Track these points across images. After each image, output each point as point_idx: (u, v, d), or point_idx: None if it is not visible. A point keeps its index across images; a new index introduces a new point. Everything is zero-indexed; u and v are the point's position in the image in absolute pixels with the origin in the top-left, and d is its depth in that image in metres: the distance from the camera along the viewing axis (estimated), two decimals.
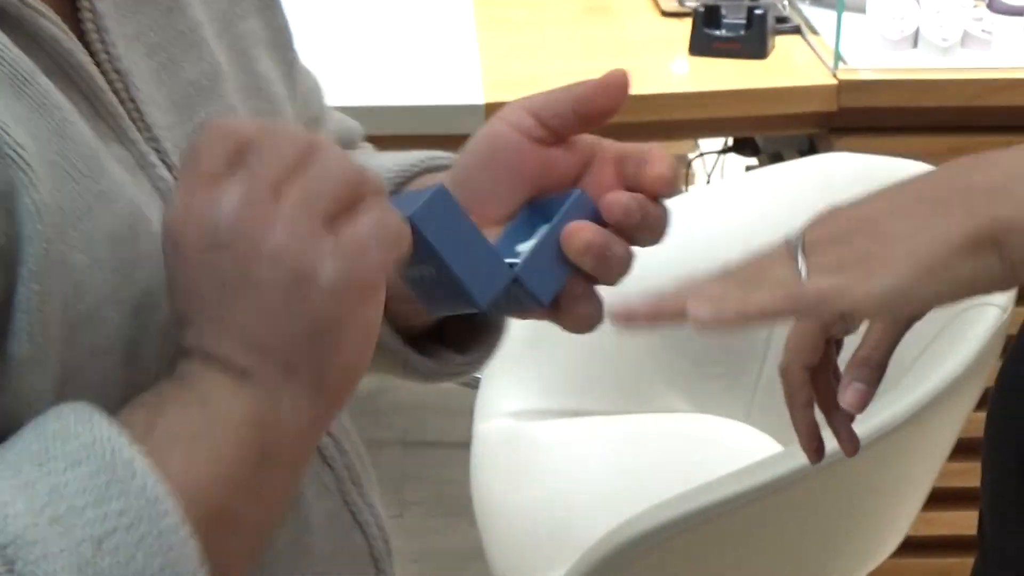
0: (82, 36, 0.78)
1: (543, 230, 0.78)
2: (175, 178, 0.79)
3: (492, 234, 0.79)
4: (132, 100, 0.80)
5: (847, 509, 1.68)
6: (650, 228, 0.80)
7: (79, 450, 0.65)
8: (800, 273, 0.79)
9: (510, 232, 0.80)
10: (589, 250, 0.77)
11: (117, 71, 0.79)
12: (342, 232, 0.68)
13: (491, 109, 2.00)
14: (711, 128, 2.34)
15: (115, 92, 0.79)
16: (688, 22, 2.21)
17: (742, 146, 2.58)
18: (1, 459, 0.66)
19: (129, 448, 0.65)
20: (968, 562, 2.36)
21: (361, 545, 0.95)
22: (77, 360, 0.71)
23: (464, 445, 2.66)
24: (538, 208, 0.82)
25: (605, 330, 2.48)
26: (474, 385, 2.33)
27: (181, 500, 0.65)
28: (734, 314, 0.78)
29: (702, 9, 2.19)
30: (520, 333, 1.93)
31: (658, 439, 2.00)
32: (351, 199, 0.70)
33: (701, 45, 2.21)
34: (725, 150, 2.73)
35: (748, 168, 2.58)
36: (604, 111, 0.83)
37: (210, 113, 0.85)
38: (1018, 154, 0.81)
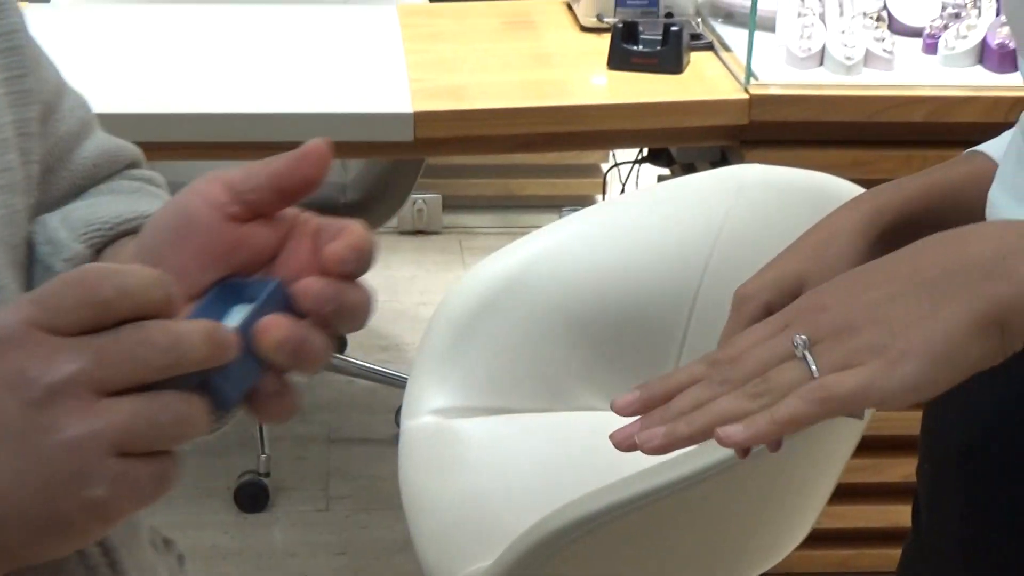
0: None
1: (235, 319, 0.73)
2: None
3: (181, 314, 0.72)
4: None
5: (758, 504, 1.70)
6: (348, 315, 0.73)
7: None
8: (812, 372, 0.77)
9: (198, 313, 0.72)
10: (282, 347, 0.70)
11: None
12: (116, 464, 0.65)
13: (419, 117, 2.03)
14: (627, 139, 2.36)
15: None
16: (607, 37, 2.23)
17: (657, 157, 2.58)
18: None
19: None
20: (869, 552, 2.42)
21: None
22: None
23: (387, 441, 2.67)
24: (231, 287, 0.77)
25: (527, 330, 2.47)
26: (398, 384, 2.33)
27: None
28: (767, 431, 0.77)
29: (620, 25, 2.21)
30: (445, 333, 1.95)
31: (577, 437, 1.98)
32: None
33: (619, 60, 2.23)
34: (640, 160, 2.73)
35: (661, 178, 2.58)
36: (304, 184, 0.77)
37: None
38: (1002, 228, 0.83)
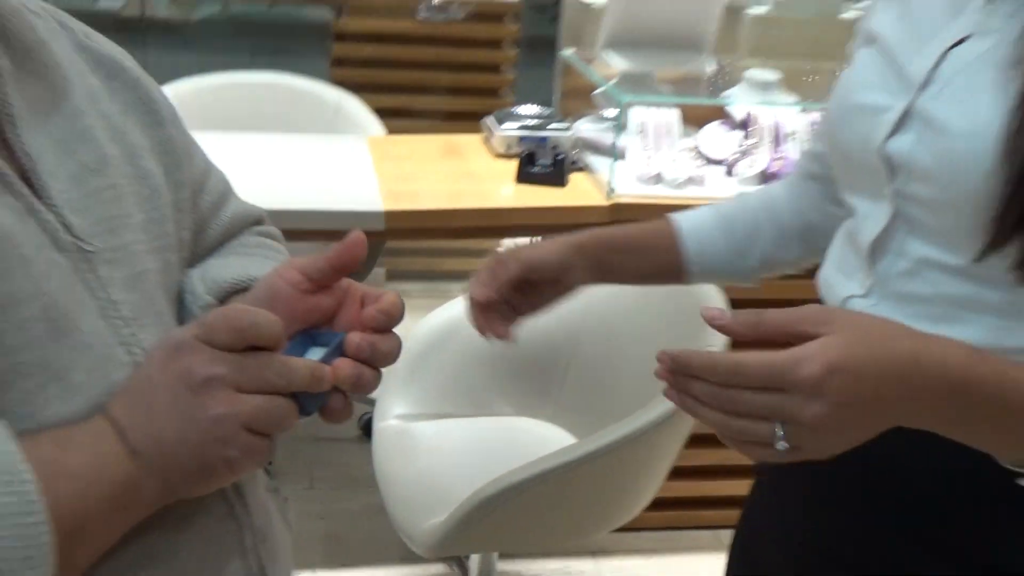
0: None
1: (314, 358, 0.75)
2: (63, 225, 0.75)
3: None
4: (36, 172, 0.75)
5: (620, 479, 1.71)
6: (382, 356, 0.77)
7: None
8: (777, 436, 0.71)
9: (287, 352, 0.74)
10: (347, 380, 0.74)
11: (27, 151, 0.74)
12: (245, 436, 0.70)
13: (388, 214, 2.05)
14: (528, 231, 2.35)
15: (21, 166, 0.74)
16: (514, 161, 2.27)
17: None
18: None
19: (19, 463, 0.63)
20: (697, 514, 2.47)
21: (234, 532, 0.85)
22: None
23: (355, 440, 2.69)
24: (308, 336, 0.79)
25: (460, 361, 2.51)
26: (365, 400, 2.37)
27: (55, 515, 0.63)
28: (728, 443, 0.74)
29: (524, 153, 2.26)
30: (404, 364, 1.98)
31: (496, 433, 2.01)
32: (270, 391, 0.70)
33: (523, 176, 2.27)
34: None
35: None
36: (351, 263, 0.79)
37: (98, 188, 0.79)
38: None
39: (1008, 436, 0.78)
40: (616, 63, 2.53)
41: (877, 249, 0.98)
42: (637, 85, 2.42)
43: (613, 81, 2.43)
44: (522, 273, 1.12)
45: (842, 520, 1.04)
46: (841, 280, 1.04)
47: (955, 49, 0.92)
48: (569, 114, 2.60)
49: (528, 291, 1.16)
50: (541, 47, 3.76)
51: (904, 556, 1.01)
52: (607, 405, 1.90)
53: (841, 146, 1.03)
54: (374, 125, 2.76)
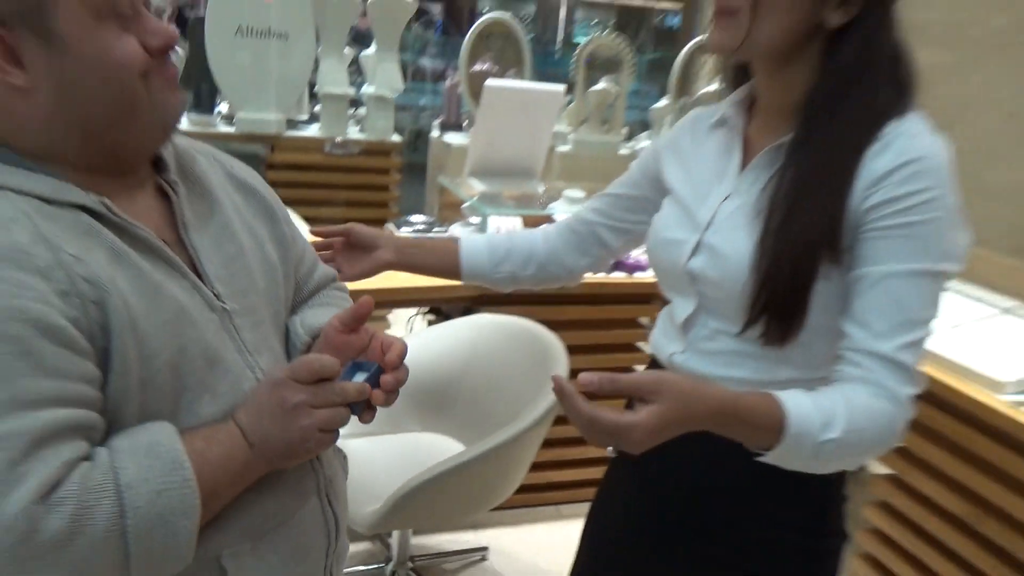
0: (176, 230, 0.81)
1: (360, 379, 0.80)
2: (215, 294, 0.81)
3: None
4: (198, 261, 0.82)
5: (495, 475, 1.71)
6: (400, 382, 0.83)
7: (161, 451, 0.71)
8: (609, 450, 0.86)
9: (342, 377, 0.80)
10: (378, 401, 0.81)
11: (194, 247, 0.82)
12: (319, 435, 0.77)
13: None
14: (419, 303, 2.31)
15: (188, 257, 0.80)
16: None
17: (433, 311, 2.47)
18: (131, 445, 0.70)
19: (184, 454, 0.71)
20: (541, 495, 2.45)
21: (324, 522, 0.90)
22: (144, 378, 0.72)
23: None
24: (355, 364, 0.83)
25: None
26: None
27: (200, 485, 0.71)
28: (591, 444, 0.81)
29: None
30: None
31: (407, 447, 1.96)
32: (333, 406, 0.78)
33: None
34: (422, 312, 2.60)
35: (431, 322, 2.45)
36: (361, 318, 0.85)
37: (237, 268, 0.85)
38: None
39: (748, 435, 0.84)
40: (477, 186, 2.55)
41: (687, 324, 1.02)
42: (492, 201, 2.46)
43: (475, 198, 2.48)
44: (346, 230, 1.16)
45: (661, 489, 1.07)
46: (665, 343, 1.07)
47: (723, 203, 0.98)
48: (446, 221, 2.60)
49: (348, 254, 1.17)
50: (416, 172, 3.86)
51: (699, 509, 1.05)
52: (487, 421, 1.86)
53: (659, 265, 1.07)
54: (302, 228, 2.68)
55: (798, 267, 0.87)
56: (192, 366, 0.76)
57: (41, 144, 0.72)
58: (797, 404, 0.81)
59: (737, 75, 1.02)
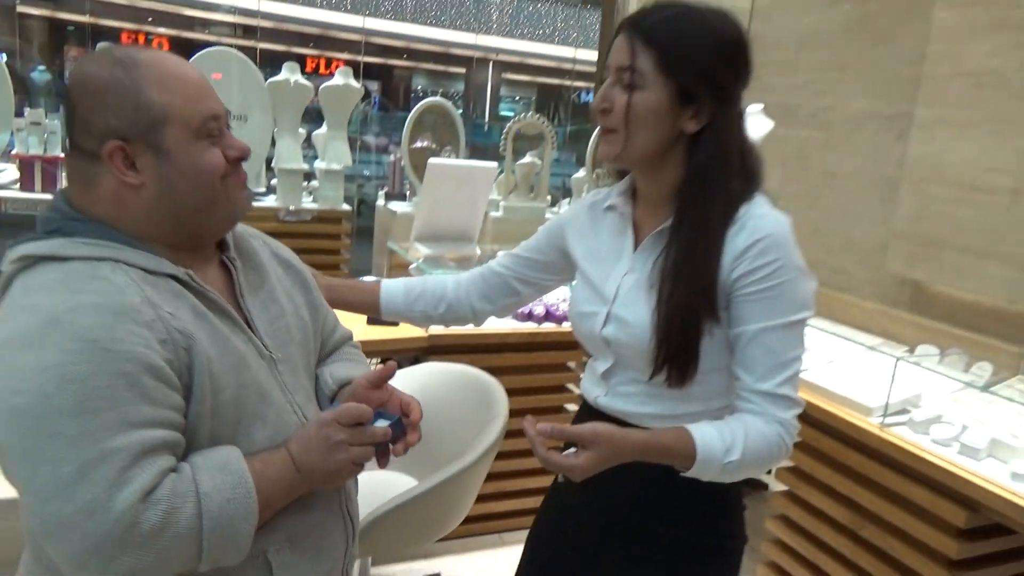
0: (235, 295, 0.92)
1: (382, 425, 0.89)
2: (264, 345, 0.91)
3: None
4: (251, 319, 0.92)
5: (444, 507, 1.69)
6: (418, 435, 0.96)
7: (231, 468, 0.81)
8: (558, 478, 1.01)
9: (371, 423, 0.89)
10: (398, 452, 0.92)
11: (248, 309, 0.92)
12: (352, 467, 0.87)
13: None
14: (376, 354, 2.22)
15: (244, 316, 0.91)
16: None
17: (384, 360, 2.06)
18: (207, 463, 0.80)
19: (247, 472, 0.82)
20: (484, 524, 2.44)
21: (344, 529, 0.99)
22: (214, 408, 0.83)
23: None
24: (379, 414, 0.91)
25: None
26: None
27: (258, 497, 0.82)
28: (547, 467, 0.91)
29: None
30: None
31: (367, 483, 1.67)
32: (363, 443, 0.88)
33: (371, 320, 2.17)
34: (375, 362, 2.20)
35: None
36: (386, 378, 0.96)
37: (280, 326, 0.95)
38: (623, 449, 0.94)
39: (668, 462, 0.96)
40: (422, 249, 2.60)
41: (606, 375, 1.11)
42: (436, 263, 2.50)
43: (421, 260, 2.52)
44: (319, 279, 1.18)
45: (596, 501, 1.13)
46: (592, 388, 1.15)
47: (624, 279, 1.07)
48: None
49: None
50: (362, 235, 3.88)
51: (626, 516, 1.11)
52: (437, 458, 1.79)
53: (580, 332, 1.14)
54: None
55: (686, 328, 0.98)
56: (248, 400, 0.86)
57: (142, 227, 0.85)
58: (704, 435, 0.95)
59: (621, 169, 1.13)
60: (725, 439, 0.95)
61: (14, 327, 0.76)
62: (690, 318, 0.98)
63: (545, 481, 2.30)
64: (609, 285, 1.08)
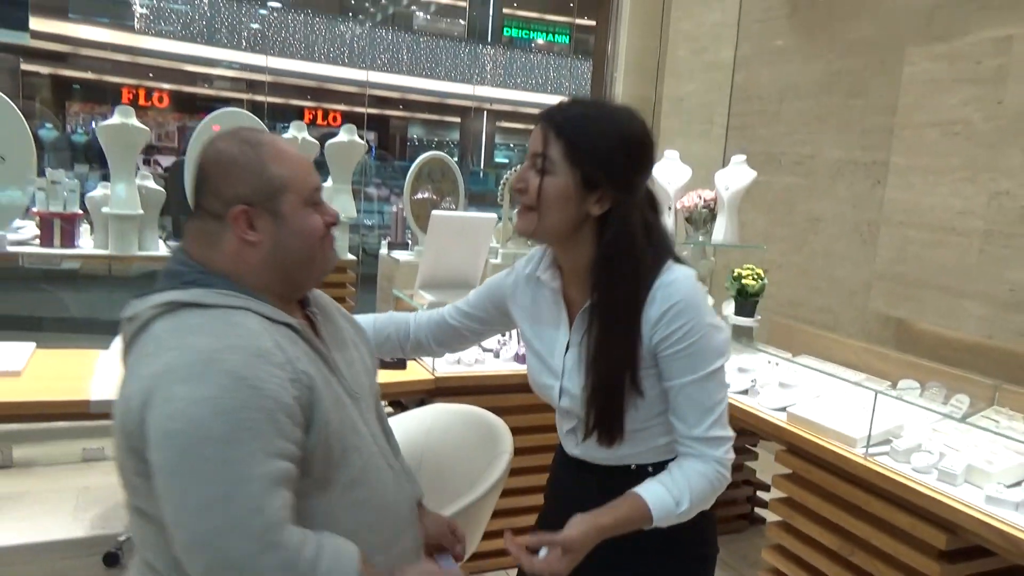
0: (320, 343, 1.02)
1: (451, 565, 1.10)
2: (347, 387, 1.01)
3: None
4: (334, 363, 1.02)
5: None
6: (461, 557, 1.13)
7: (346, 560, 0.90)
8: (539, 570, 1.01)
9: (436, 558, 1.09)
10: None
11: (332, 358, 1.02)
12: None
13: None
14: (382, 397, 2.01)
15: (328, 363, 1.01)
16: None
17: (393, 403, 2.41)
18: (334, 547, 0.89)
19: (358, 566, 0.91)
20: (500, 560, 2.46)
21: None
22: (326, 437, 0.93)
23: None
24: (441, 555, 1.11)
25: None
26: None
27: None
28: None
29: None
30: None
31: None
32: None
33: (381, 364, 1.82)
34: (385, 404, 2.39)
35: (390, 413, 2.14)
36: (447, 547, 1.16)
37: (354, 371, 1.07)
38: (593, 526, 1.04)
39: (634, 527, 1.07)
40: (427, 296, 2.61)
41: (573, 432, 1.20)
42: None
43: (425, 306, 2.47)
44: None
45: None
46: (566, 441, 1.25)
47: (567, 354, 1.16)
48: None
49: None
50: (365, 283, 4.00)
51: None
52: (445, 493, 1.79)
53: (543, 399, 1.23)
54: None
55: (610, 396, 1.08)
56: (345, 432, 0.97)
57: (256, 281, 0.97)
58: (654, 496, 1.06)
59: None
60: (673, 493, 1.06)
61: (169, 362, 0.84)
62: (613, 388, 1.07)
63: None
64: (556, 360, 1.17)
